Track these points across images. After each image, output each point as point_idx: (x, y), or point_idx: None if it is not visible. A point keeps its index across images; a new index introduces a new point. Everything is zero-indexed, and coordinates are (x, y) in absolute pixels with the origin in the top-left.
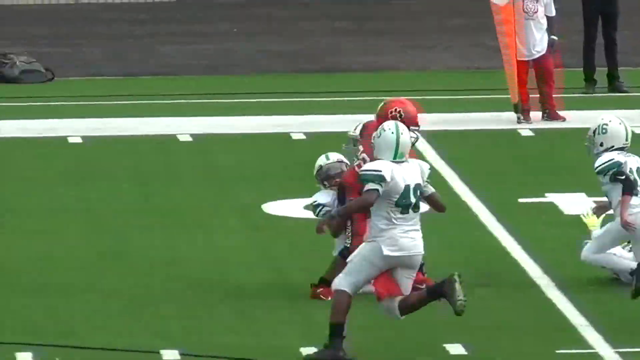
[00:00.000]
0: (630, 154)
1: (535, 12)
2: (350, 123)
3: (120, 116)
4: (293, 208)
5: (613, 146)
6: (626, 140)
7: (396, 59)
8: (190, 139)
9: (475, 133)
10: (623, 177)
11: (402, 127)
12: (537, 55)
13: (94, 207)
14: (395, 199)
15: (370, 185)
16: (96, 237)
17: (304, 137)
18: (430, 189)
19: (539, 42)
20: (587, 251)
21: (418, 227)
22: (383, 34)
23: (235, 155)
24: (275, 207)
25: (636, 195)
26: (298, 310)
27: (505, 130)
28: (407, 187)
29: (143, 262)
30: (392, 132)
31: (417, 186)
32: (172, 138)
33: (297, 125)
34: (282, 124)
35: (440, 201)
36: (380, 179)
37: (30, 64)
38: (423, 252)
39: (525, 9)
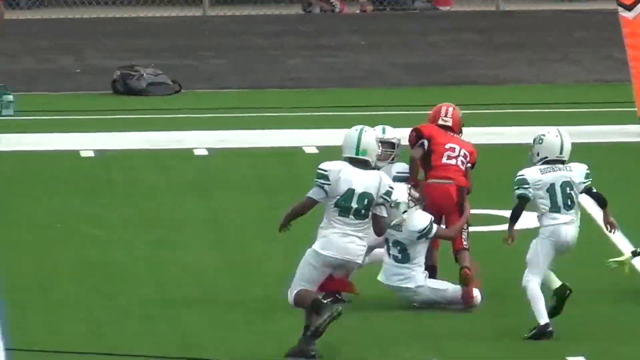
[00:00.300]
0: (561, 167)
1: None
2: (475, 136)
3: (246, 128)
4: None
5: (547, 157)
6: (560, 153)
7: (522, 71)
8: (316, 150)
9: (600, 146)
10: (517, 196)
11: (368, 128)
12: None
13: (219, 218)
14: (336, 199)
15: (311, 191)
16: (220, 248)
17: None
18: (382, 212)
19: None
20: (527, 275)
21: (360, 235)
22: (509, 46)
23: None
24: None
25: (557, 212)
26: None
27: (631, 143)
28: (350, 190)
29: (266, 273)
30: (356, 130)
31: (365, 195)
32: (297, 150)
33: None
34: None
35: (381, 227)
36: (322, 178)
37: (157, 76)
38: (358, 261)
39: None
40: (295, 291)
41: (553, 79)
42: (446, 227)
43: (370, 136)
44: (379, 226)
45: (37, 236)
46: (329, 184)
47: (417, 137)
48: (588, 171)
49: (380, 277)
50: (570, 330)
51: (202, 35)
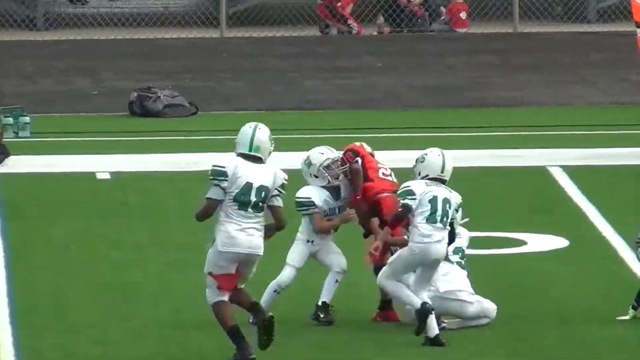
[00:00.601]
0: (442, 186)
1: None
2: (492, 158)
3: None
4: None
5: (427, 175)
6: (441, 172)
7: (539, 93)
8: None
9: (616, 168)
10: (401, 205)
11: (263, 125)
12: None
13: None
14: (234, 193)
15: (210, 192)
16: None
17: None
18: (278, 202)
19: None
20: (381, 274)
21: (258, 227)
22: (527, 68)
23: None
24: None
25: (433, 223)
26: None
27: None
28: (248, 184)
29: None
30: (250, 127)
31: (263, 188)
32: None
33: None
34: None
35: (280, 217)
36: (221, 175)
37: (173, 98)
38: (260, 253)
39: None
40: (214, 301)
41: (569, 101)
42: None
43: (264, 133)
44: (278, 217)
45: (52, 257)
46: (227, 180)
47: (353, 155)
48: (460, 202)
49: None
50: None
51: (219, 56)
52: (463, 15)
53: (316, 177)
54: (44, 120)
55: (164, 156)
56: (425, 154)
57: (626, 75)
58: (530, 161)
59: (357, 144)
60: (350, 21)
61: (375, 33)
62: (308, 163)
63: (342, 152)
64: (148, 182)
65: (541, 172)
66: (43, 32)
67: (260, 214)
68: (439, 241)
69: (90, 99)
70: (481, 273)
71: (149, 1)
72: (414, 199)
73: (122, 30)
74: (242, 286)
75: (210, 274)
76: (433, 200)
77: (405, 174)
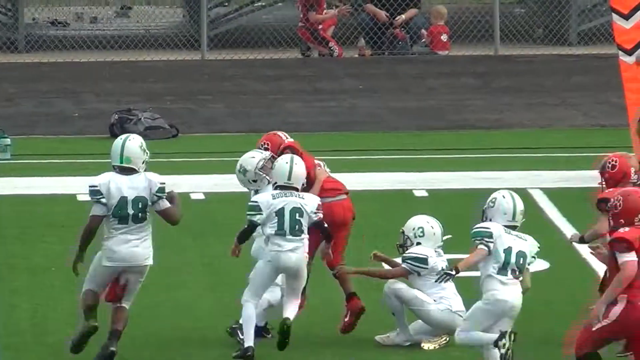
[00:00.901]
0: (293, 192)
1: None
2: (472, 180)
3: None
4: None
5: (276, 182)
6: (289, 179)
7: (520, 116)
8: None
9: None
10: (248, 221)
11: (134, 136)
12: None
13: (215, 262)
14: (112, 210)
15: (92, 209)
16: (216, 290)
17: (426, 194)
18: (162, 205)
19: None
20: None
21: (142, 237)
22: (508, 91)
23: (359, 212)
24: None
25: (282, 235)
26: None
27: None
28: (123, 198)
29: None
30: (121, 139)
31: (139, 199)
32: None
33: (420, 182)
34: (405, 180)
35: (171, 217)
36: (96, 193)
37: (154, 120)
38: (145, 263)
39: None
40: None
41: (550, 123)
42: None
43: (134, 144)
44: (169, 218)
45: (32, 280)
46: (104, 197)
47: (291, 151)
48: (320, 203)
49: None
50: None
51: (200, 79)
52: (444, 37)
53: (255, 181)
54: (25, 142)
55: None
56: (276, 162)
57: (607, 97)
58: (511, 183)
59: (280, 135)
60: (331, 44)
61: (356, 55)
62: (243, 171)
63: (270, 152)
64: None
65: (522, 195)
66: (24, 55)
67: (143, 224)
68: (290, 250)
69: (72, 121)
70: (463, 294)
71: (130, 23)
72: (258, 213)
73: (103, 53)
74: (125, 306)
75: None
76: (280, 213)
77: (384, 196)
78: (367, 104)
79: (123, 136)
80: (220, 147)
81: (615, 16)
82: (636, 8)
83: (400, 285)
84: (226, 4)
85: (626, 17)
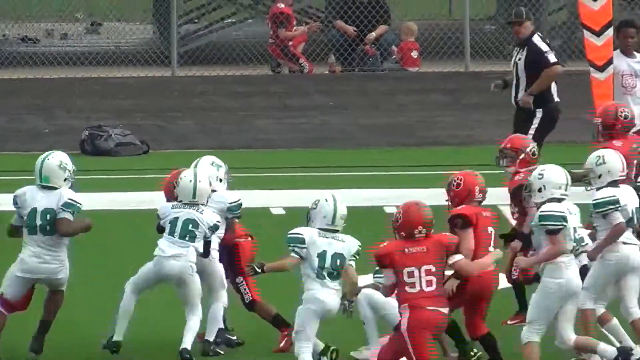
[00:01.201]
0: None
1: (634, 87)
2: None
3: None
4: None
5: (182, 200)
6: (193, 197)
7: (490, 132)
8: (283, 212)
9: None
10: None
11: (55, 154)
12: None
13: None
14: (25, 220)
15: (12, 219)
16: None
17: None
18: (63, 215)
19: (637, 117)
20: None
21: (50, 249)
22: (478, 107)
23: None
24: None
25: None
26: None
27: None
28: (33, 209)
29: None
30: (40, 158)
31: (47, 211)
32: (264, 211)
33: (391, 199)
34: (376, 197)
35: (61, 228)
36: (14, 203)
37: (125, 136)
38: (58, 277)
39: (624, 84)
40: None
41: None
42: None
43: (52, 163)
44: (59, 228)
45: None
46: (20, 208)
47: None
48: (218, 223)
49: None
50: None
51: (170, 95)
52: (414, 54)
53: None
54: None
55: (115, 195)
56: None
57: (578, 114)
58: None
59: None
60: (301, 60)
61: (326, 72)
62: (219, 179)
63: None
64: (99, 221)
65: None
66: None
67: (51, 237)
68: (172, 256)
69: (42, 137)
70: None
71: (100, 40)
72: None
73: (73, 69)
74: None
75: (1, 295)
76: (173, 221)
77: (355, 213)
78: (338, 120)
79: (44, 154)
80: (191, 164)
81: (586, 33)
82: (607, 25)
83: (374, 291)
84: (196, 20)
85: (597, 34)
